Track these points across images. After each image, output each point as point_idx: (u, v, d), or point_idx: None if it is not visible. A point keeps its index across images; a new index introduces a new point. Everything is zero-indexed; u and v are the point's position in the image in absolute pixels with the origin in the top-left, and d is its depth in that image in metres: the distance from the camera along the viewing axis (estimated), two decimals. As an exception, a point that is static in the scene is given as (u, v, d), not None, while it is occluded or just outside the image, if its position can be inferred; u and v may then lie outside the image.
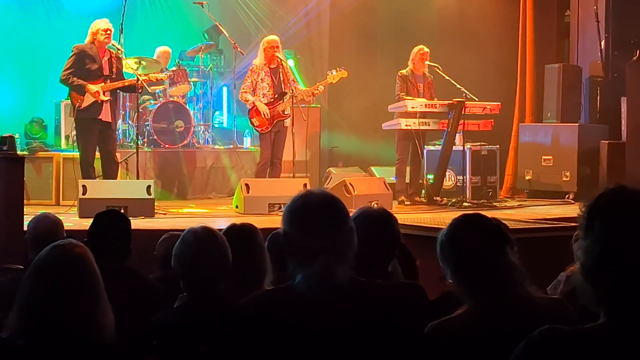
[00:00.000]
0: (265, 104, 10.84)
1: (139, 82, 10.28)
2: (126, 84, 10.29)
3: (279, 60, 10.95)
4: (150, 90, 11.95)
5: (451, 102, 11.38)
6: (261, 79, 10.89)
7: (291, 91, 10.85)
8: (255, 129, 11.03)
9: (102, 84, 10.05)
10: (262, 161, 11.00)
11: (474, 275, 3.11)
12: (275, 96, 10.87)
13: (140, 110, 11.92)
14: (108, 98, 10.05)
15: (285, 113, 10.93)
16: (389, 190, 11.02)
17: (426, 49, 11.71)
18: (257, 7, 14.72)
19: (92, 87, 9.94)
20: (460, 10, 13.39)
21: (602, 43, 12.68)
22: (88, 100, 9.96)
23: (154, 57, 12.45)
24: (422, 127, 11.42)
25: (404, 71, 11.69)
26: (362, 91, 14.00)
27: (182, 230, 4.05)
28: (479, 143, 12.09)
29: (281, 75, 10.97)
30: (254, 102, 10.85)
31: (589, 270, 2.26)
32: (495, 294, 3.08)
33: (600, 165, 12.05)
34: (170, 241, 4.98)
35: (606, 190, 2.31)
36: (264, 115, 10.80)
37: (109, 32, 10.10)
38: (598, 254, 2.24)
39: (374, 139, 13.61)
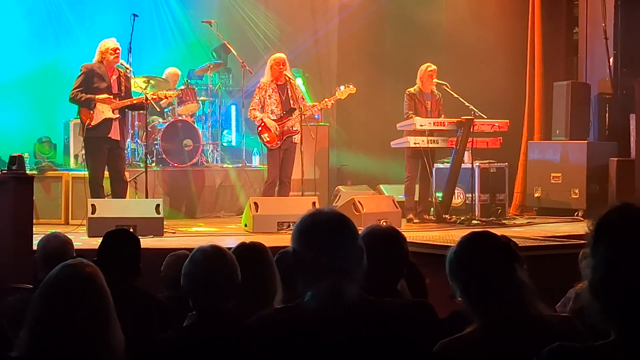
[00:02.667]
0: (273, 120, 10.87)
1: (147, 101, 10.31)
2: (135, 102, 10.32)
3: (287, 77, 10.98)
4: (158, 109, 11.97)
5: (460, 119, 11.37)
6: (269, 96, 10.91)
7: (300, 108, 10.87)
8: (265, 145, 11.03)
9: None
10: (269, 179, 11.00)
11: (483, 293, 3.10)
12: (284, 112, 10.90)
13: (149, 130, 11.94)
14: (117, 116, 10.07)
15: (294, 129, 10.94)
16: (397, 208, 10.99)
17: (434, 67, 11.71)
18: (266, 26, 14.76)
19: (101, 96, 9.96)
20: (468, 28, 13.39)
21: (611, 60, 12.67)
22: (98, 118, 9.98)
23: (163, 78, 12.48)
24: (430, 145, 11.42)
25: (411, 89, 11.68)
26: (371, 109, 14.01)
27: (191, 249, 4.04)
28: (487, 161, 12.08)
29: (289, 92, 10.98)
30: (262, 119, 10.87)
31: (597, 288, 2.26)
32: (504, 312, 3.07)
33: (609, 182, 12.02)
34: (177, 261, 4.99)
35: (612, 208, 2.31)
36: (274, 131, 10.83)
37: (117, 51, 10.14)
38: (605, 272, 2.24)
39: (383, 157, 13.60)
